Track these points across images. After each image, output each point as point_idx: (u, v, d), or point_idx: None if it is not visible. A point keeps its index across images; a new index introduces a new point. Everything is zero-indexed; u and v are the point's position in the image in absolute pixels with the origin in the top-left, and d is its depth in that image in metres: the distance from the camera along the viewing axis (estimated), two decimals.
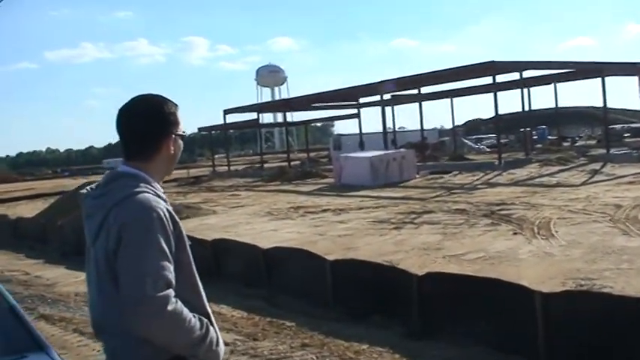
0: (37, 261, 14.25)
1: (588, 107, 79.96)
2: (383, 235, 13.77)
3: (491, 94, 35.23)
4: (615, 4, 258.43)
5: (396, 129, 48.28)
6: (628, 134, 53.69)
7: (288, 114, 64.79)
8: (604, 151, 34.71)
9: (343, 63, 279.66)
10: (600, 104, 40.06)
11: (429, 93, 45.99)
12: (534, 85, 45.24)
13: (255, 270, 9.46)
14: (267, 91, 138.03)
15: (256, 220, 18.42)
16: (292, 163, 50.15)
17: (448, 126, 66.71)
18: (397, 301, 7.27)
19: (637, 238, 11.10)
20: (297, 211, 19.36)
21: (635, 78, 42.04)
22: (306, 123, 67.56)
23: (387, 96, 43.23)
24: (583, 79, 43.08)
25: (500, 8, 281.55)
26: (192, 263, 2.24)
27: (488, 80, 36.95)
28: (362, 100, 49.20)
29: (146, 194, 2.16)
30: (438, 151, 48.47)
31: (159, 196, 2.21)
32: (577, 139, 59.03)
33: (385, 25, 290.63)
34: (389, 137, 42.45)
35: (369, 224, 15.46)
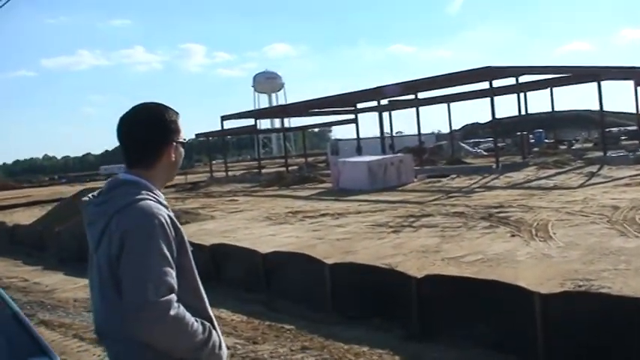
0: (36, 267, 14.24)
1: (585, 111, 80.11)
2: (381, 238, 13.78)
3: (488, 99, 35.33)
4: (610, 10, 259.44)
5: (394, 134, 48.40)
6: (624, 137, 53.87)
7: (285, 119, 64.85)
8: (601, 153, 34.82)
9: (340, 69, 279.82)
10: (596, 108, 40.22)
11: (427, 98, 46.05)
12: (531, 90, 45.34)
13: (254, 274, 9.47)
14: (264, 97, 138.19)
15: (255, 225, 18.42)
16: (290, 168, 50.14)
17: (445, 130, 66.79)
18: (396, 303, 7.29)
19: (634, 239, 11.13)
20: (295, 216, 19.37)
21: (631, 82, 42.19)
22: (303, 128, 67.63)
23: (384, 101, 43.33)
24: (579, 83, 43.18)
25: (497, 14, 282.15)
26: (194, 268, 2.27)
27: (485, 85, 37.04)
28: (359, 106, 49.27)
29: (148, 201, 2.19)
30: (436, 155, 48.58)
31: (160, 203, 2.24)
32: (574, 142, 59.22)
33: (382, 31, 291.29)
34: (386, 142, 42.57)
35: (368, 228, 15.48)
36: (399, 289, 7.23)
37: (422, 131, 45.27)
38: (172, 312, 2.06)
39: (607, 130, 45.79)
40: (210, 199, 30.66)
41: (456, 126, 75.04)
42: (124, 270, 2.09)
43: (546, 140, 58.86)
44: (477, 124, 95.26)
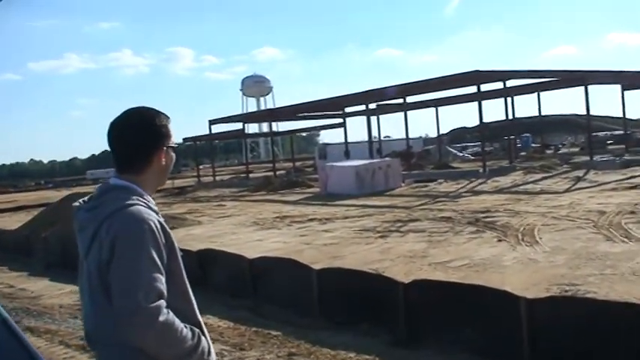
0: (21, 273, 14.12)
1: (571, 115, 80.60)
2: (369, 243, 13.78)
3: (476, 103, 35.48)
4: (597, 14, 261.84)
5: (382, 138, 48.47)
6: (611, 141, 54.28)
7: (273, 123, 64.89)
8: (587, 158, 35.03)
9: (328, 73, 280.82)
10: (583, 112, 40.46)
11: (414, 102, 46.22)
12: (518, 94, 45.59)
13: (241, 280, 9.45)
14: (252, 101, 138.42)
15: (242, 230, 18.38)
16: (278, 173, 50.10)
17: (433, 134, 67.26)
18: (383, 308, 7.28)
19: (620, 244, 11.19)
20: (282, 221, 19.35)
21: (618, 86, 42.53)
22: (291, 132, 67.66)
23: (372, 105, 43.40)
24: (566, 87, 43.47)
25: (484, 18, 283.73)
26: (184, 273, 2.27)
27: (472, 89, 37.22)
28: (347, 110, 49.35)
29: (138, 206, 2.19)
30: (423, 160, 48.72)
31: (150, 209, 2.23)
32: (560, 146, 59.63)
33: (370, 35, 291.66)
34: (374, 146, 42.63)
35: (355, 233, 15.48)
36: (387, 295, 7.22)
37: (410, 135, 45.42)
38: (162, 318, 2.05)
39: (594, 134, 46.11)
40: (198, 204, 30.57)
41: (444, 130, 75.63)
42: (113, 275, 2.09)
43: (533, 144, 59.24)
44: (465, 128, 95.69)
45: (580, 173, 27.49)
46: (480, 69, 33.28)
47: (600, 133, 61.74)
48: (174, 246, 2.22)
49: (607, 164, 30.08)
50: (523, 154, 47.87)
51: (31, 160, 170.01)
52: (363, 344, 6.80)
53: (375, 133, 45.86)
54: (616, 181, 22.94)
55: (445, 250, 12.05)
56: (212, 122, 53.91)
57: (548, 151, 51.26)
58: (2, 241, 18.46)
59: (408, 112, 44.49)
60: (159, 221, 2.19)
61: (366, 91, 39.93)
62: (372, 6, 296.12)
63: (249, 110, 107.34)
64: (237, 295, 9.37)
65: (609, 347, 5.34)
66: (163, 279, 2.11)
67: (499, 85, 36.91)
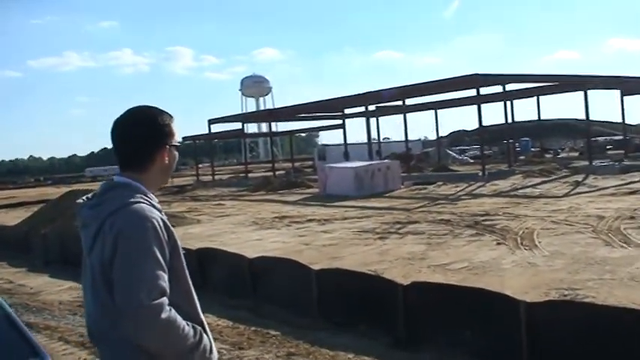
0: (20, 269, 14.12)
1: (571, 119, 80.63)
2: (368, 244, 13.80)
3: (475, 106, 35.50)
4: (598, 19, 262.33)
5: (381, 140, 48.48)
6: (610, 146, 54.36)
7: (272, 124, 64.90)
8: (586, 162, 35.05)
9: (328, 74, 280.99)
10: (583, 117, 40.51)
11: (414, 104, 46.26)
12: (518, 98, 45.63)
13: (240, 279, 9.44)
14: (252, 101, 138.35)
15: (241, 229, 18.39)
16: (277, 173, 50.12)
17: (432, 137, 67.18)
18: (382, 310, 7.30)
19: (619, 249, 11.21)
20: (282, 221, 19.36)
21: (617, 91, 42.60)
22: (290, 133, 67.64)
23: (371, 107, 43.42)
24: (566, 92, 43.52)
25: (486, 22, 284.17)
26: (186, 271, 2.28)
27: (472, 92, 37.24)
28: (347, 111, 49.36)
29: (141, 204, 2.20)
30: (423, 162, 48.74)
31: (153, 206, 2.24)
32: (559, 150, 59.74)
33: (369, 37, 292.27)
34: (373, 148, 42.65)
35: (354, 234, 15.49)
36: (386, 296, 7.23)
37: (409, 138, 45.45)
38: (164, 315, 2.07)
39: (593, 139, 46.21)
40: (197, 202, 30.56)
41: (443, 133, 75.55)
42: (116, 273, 2.10)
43: (532, 148, 59.25)
44: (464, 131, 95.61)
45: (579, 178, 27.55)
46: (480, 72, 33.31)
47: (600, 138, 61.78)
48: (176, 244, 2.23)
49: (606, 169, 30.13)
50: (522, 157, 47.96)
51: (31, 156, 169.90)
52: (361, 345, 6.80)
53: (374, 134, 45.96)
54: (615, 186, 22.95)
55: (444, 253, 12.06)
56: (211, 122, 53.92)
57: (548, 156, 51.35)
58: (2, 237, 18.43)
59: (408, 115, 44.53)
60: (162, 219, 2.20)
61: (365, 93, 39.95)
62: (371, 8, 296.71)
63: (249, 110, 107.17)
64: (236, 294, 9.37)
65: (608, 352, 5.36)
66: (166, 277, 2.12)
67: (499, 88, 36.95)
